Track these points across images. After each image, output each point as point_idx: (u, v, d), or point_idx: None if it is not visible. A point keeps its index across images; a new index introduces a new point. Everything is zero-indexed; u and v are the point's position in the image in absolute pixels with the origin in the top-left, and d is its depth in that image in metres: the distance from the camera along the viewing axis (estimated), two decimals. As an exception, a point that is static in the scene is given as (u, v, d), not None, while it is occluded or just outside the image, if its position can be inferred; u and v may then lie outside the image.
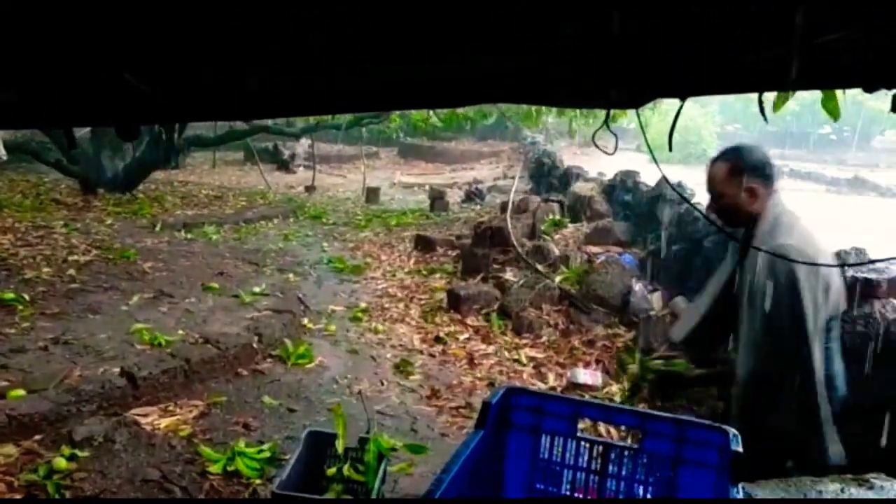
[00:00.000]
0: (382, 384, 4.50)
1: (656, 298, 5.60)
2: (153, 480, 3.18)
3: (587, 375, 4.66)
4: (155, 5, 0.83)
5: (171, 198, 11.51)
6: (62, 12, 0.82)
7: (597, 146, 1.18)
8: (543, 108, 10.01)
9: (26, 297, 5.07)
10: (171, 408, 3.88)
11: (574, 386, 4.57)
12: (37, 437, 3.35)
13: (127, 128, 1.25)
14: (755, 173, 2.15)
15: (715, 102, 22.12)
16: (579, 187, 8.92)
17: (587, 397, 4.18)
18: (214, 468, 3.29)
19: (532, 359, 5.06)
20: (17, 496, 2.94)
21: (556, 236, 7.42)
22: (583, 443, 1.20)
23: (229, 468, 3.30)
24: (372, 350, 5.11)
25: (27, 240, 7.12)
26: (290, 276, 6.87)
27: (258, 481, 3.25)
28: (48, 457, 3.22)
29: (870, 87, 1.00)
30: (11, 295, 5.03)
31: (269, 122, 14.71)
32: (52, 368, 3.92)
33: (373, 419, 3.72)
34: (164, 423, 3.70)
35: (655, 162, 1.35)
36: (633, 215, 7.51)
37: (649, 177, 7.62)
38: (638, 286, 5.67)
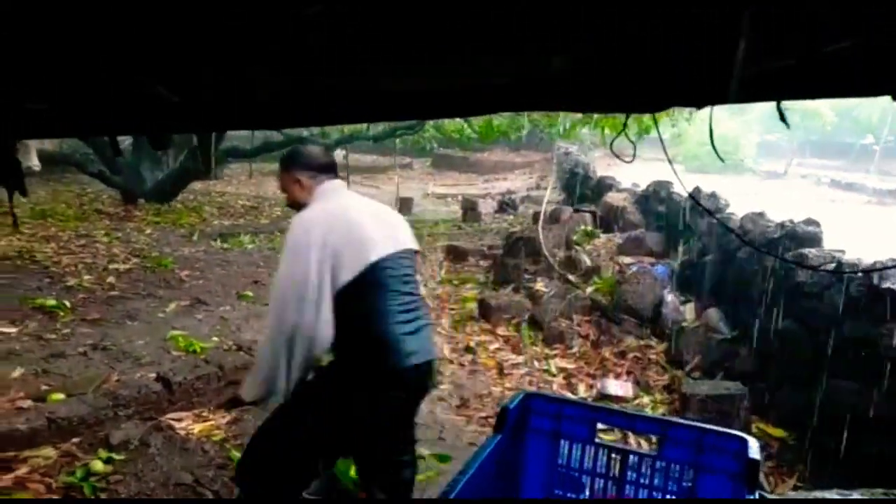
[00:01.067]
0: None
1: (689, 309, 5.54)
2: (186, 484, 3.23)
3: (618, 386, 4.63)
4: (184, 21, 0.86)
5: (209, 208, 11.73)
6: (94, 26, 0.86)
7: (616, 155, 1.19)
8: (578, 118, 9.98)
9: (67, 303, 5.21)
10: (204, 413, 3.95)
11: (604, 397, 4.54)
12: (75, 439, 3.43)
13: (159, 137, 1.30)
14: (302, 168, 2.39)
15: (754, 111, 21.75)
16: (612, 197, 8.88)
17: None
18: (246, 473, 3.33)
19: (562, 369, 5.04)
20: (55, 497, 3.02)
21: (588, 247, 7.39)
22: (601, 449, 1.20)
23: (260, 473, 3.34)
24: (403, 359, 5.14)
25: (70, 248, 7.33)
26: (324, 284, 6.93)
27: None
28: (85, 459, 3.31)
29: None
30: (53, 301, 5.18)
31: (305, 132, 14.93)
32: (91, 373, 4.02)
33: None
34: (198, 428, 3.77)
35: (675, 173, 1.35)
36: (666, 226, 7.45)
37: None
38: (670, 297, 5.62)
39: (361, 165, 19.52)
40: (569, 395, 4.67)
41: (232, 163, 17.32)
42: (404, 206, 13.70)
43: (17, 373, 3.95)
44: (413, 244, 2.47)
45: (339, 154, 17.46)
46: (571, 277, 6.38)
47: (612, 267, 6.54)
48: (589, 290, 6.04)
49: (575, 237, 7.58)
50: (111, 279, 6.12)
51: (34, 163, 7.57)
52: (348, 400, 2.20)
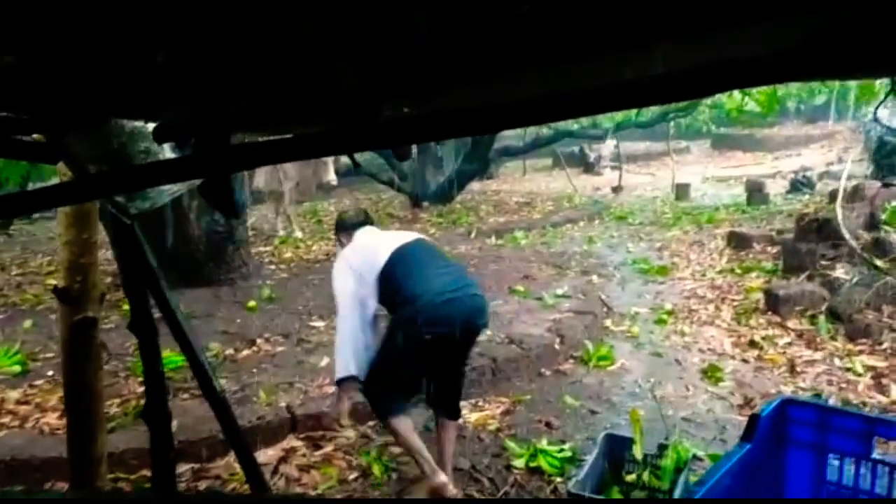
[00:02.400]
0: (688, 389, 4.28)
1: None
2: (464, 469, 3.44)
3: (944, 390, 3.90)
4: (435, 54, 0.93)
5: (485, 206, 12.31)
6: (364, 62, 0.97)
7: None
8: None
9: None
10: (480, 403, 4.16)
11: (927, 402, 3.86)
12: (370, 422, 3.84)
13: (402, 150, 1.40)
14: (340, 231, 3.53)
15: None
16: (935, 166, 7.51)
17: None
18: (518, 463, 3.45)
19: (870, 368, 4.39)
20: (353, 474, 3.41)
21: (902, 226, 6.33)
22: (880, 466, 1.02)
23: (532, 464, 3.43)
24: (677, 353, 4.90)
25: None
26: (594, 277, 6.88)
27: (559, 479, 3.33)
28: (379, 441, 3.69)
29: None
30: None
31: (574, 125, 14.95)
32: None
33: (674, 426, 3.58)
34: (474, 417, 3.98)
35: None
36: None
37: None
38: None
39: (635, 153, 18.97)
40: (879, 398, 4.06)
41: (506, 161, 17.98)
42: (681, 192, 13.02)
43: (325, 362, 4.52)
44: (417, 236, 3.38)
45: (610, 144, 17.22)
46: (879, 263, 5.52)
47: (935, 248, 5.53)
48: (903, 276, 5.18)
49: (884, 216, 6.53)
50: (400, 277, 6.72)
51: (331, 177, 8.64)
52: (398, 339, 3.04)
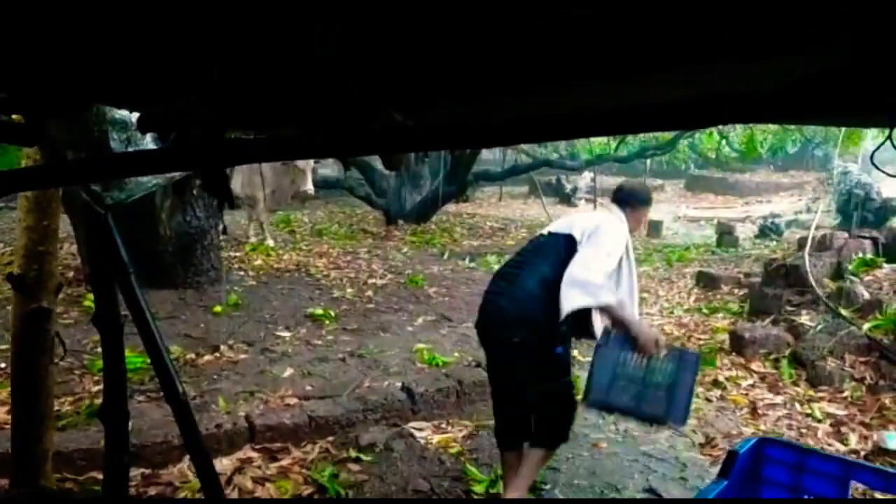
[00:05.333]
0: (650, 425, 4.28)
1: None
2: (422, 491, 3.38)
3: (900, 442, 3.95)
4: (410, 57, 0.91)
5: (460, 229, 12.32)
6: (337, 65, 0.94)
7: (877, 167, 1.00)
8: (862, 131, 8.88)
9: (332, 313, 5.78)
10: (443, 425, 4.11)
11: (883, 452, 3.90)
12: (330, 437, 3.77)
13: (391, 158, 1.38)
14: None
15: None
16: (900, 222, 7.71)
17: (899, 467, 3.53)
18: (478, 488, 3.40)
19: (830, 415, 4.44)
20: (309, 489, 3.33)
21: (867, 277, 6.46)
22: (855, 514, 1.01)
23: (492, 490, 3.38)
24: (642, 388, 4.90)
25: (337, 263, 8.16)
26: (564, 307, 6.89)
27: (518, 507, 3.28)
28: (338, 456, 3.61)
29: None
30: (321, 311, 5.78)
31: (553, 155, 15.13)
32: (347, 378, 4.40)
33: (635, 460, 3.57)
34: (437, 438, 3.93)
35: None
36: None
37: None
38: (976, 341, 4.69)
39: (611, 187, 19.20)
40: (837, 445, 4.10)
41: (483, 185, 18.08)
42: (653, 229, 13.18)
43: (288, 373, 4.45)
44: (564, 230, 2.92)
45: (587, 176, 17.41)
46: (844, 311, 5.62)
47: (897, 302, 5.64)
48: (866, 326, 5.26)
49: (850, 266, 6.67)
50: (369, 293, 6.67)
51: (309, 187, 8.58)
52: None
